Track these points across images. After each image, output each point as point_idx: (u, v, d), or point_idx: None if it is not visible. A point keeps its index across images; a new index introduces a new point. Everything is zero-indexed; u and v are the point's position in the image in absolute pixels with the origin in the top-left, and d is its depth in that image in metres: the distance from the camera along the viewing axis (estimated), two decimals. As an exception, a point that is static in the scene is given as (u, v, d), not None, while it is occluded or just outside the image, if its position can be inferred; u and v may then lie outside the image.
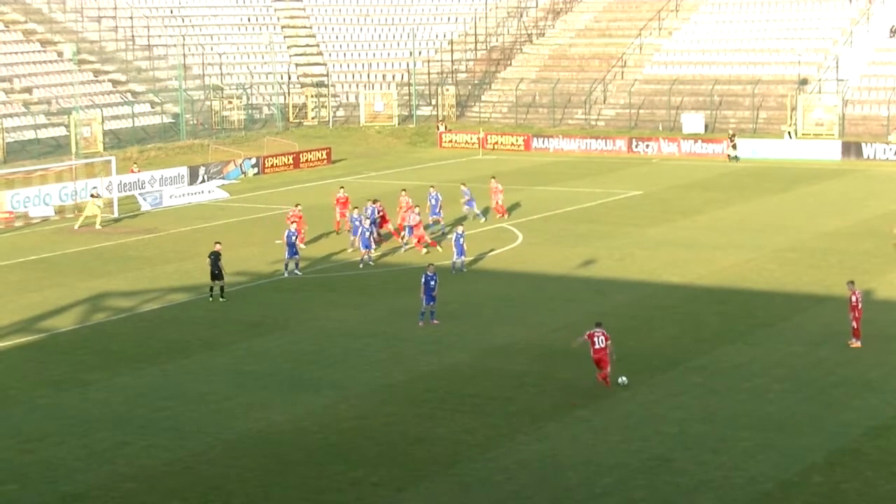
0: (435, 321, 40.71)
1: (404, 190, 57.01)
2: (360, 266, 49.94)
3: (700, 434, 30.85)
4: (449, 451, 29.99)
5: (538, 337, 39.69)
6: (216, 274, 44.62)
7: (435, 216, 56.60)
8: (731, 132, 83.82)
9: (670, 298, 44.66)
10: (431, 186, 59.25)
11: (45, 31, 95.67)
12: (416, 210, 52.97)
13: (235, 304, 44.34)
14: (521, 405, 33.19)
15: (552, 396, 33.86)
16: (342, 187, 59.38)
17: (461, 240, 48.48)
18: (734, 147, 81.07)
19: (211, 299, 44.63)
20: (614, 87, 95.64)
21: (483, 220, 59.15)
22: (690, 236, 55.71)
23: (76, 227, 59.81)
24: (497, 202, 60.44)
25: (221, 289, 44.82)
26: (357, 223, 51.34)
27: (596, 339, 34.30)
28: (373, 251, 50.67)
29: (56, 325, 41.89)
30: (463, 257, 48.85)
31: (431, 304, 40.75)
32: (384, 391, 34.48)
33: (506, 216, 60.26)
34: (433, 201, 57.03)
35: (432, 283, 40.64)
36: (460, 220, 58.15)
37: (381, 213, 54.07)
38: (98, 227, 59.84)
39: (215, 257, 44.71)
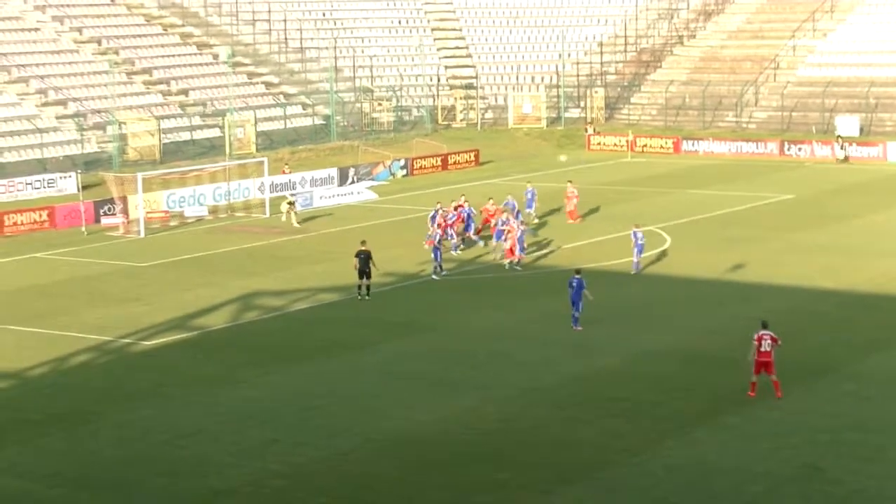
0: (578, 328, 40.36)
1: (491, 199, 57.26)
2: (507, 267, 49.89)
3: (853, 442, 30.22)
4: (596, 455, 29.84)
5: (687, 341, 39.28)
6: (366, 272, 45.02)
7: (529, 210, 58.93)
8: (838, 133, 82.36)
9: (822, 304, 43.87)
10: (528, 182, 62.10)
11: (201, 34, 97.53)
12: (505, 217, 52.19)
13: (383, 305, 44.67)
14: (670, 410, 32.87)
15: (701, 401, 33.47)
16: (463, 195, 58.61)
17: (640, 239, 48.38)
18: (843, 148, 79.99)
19: (359, 298, 45.05)
20: (766, 89, 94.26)
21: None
22: (844, 241, 54.63)
23: (295, 224, 60.77)
24: (570, 208, 60.16)
25: (368, 287, 45.23)
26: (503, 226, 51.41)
27: (762, 341, 33.17)
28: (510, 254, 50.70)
29: (209, 322, 42.66)
30: (638, 257, 48.73)
31: (574, 310, 40.43)
32: (531, 394, 34.42)
33: (578, 221, 59.69)
34: (528, 196, 59.94)
35: (575, 285, 40.33)
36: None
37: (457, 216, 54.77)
38: (296, 224, 60.68)
39: (366, 256, 45.12)
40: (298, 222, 60.99)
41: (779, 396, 32.92)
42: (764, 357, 33.13)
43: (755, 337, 33.33)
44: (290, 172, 71.87)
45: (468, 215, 55.22)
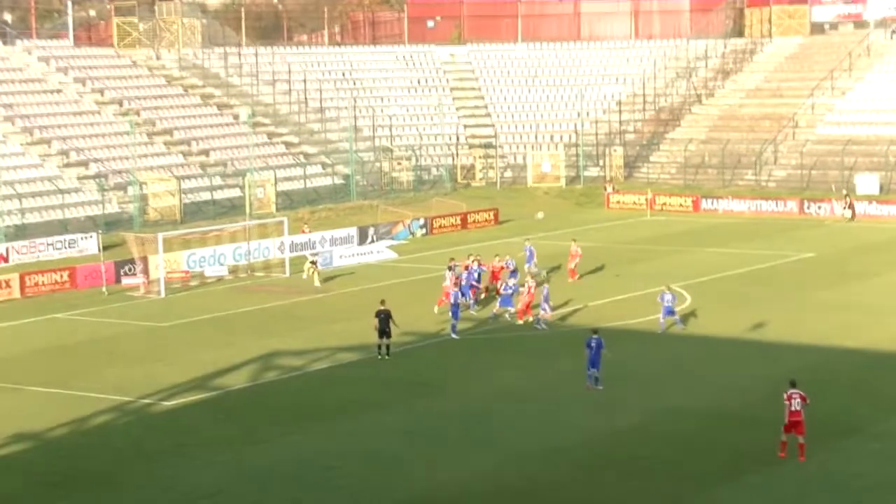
0: (599, 387, 40.23)
1: (497, 255, 57.70)
2: (538, 326, 49.83)
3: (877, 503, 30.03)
4: (617, 516, 29.72)
5: (708, 400, 39.19)
6: (385, 332, 45.12)
7: (528, 267, 58.90)
8: (845, 191, 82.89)
9: (844, 363, 43.71)
10: (527, 240, 62.92)
11: (221, 94, 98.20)
12: (524, 283, 52.11)
13: (403, 364, 44.68)
14: (691, 469, 32.75)
15: (722, 461, 33.34)
16: (477, 255, 58.49)
17: (668, 301, 48.49)
18: (850, 207, 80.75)
19: (379, 357, 45.09)
20: (785, 147, 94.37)
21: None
22: (865, 300, 54.48)
23: (317, 284, 61.05)
24: (572, 266, 60.56)
25: (387, 347, 45.29)
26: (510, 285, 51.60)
27: (792, 400, 32.98)
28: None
29: (229, 382, 42.70)
30: (674, 317, 48.83)
31: (594, 369, 40.29)
32: (551, 454, 34.35)
33: (575, 278, 60.08)
34: (527, 253, 60.16)
35: (594, 345, 40.18)
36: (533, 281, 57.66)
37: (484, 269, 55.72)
38: (317, 284, 61.04)
39: (386, 316, 45.22)
40: (321, 282, 61.19)
41: (802, 460, 32.68)
42: (794, 416, 32.88)
43: (785, 396, 33.18)
44: (309, 232, 72.03)
45: (478, 275, 55.42)
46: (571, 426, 36.79)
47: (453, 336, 48.59)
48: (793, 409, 32.85)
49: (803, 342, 46.72)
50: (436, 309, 52.10)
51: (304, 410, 39.13)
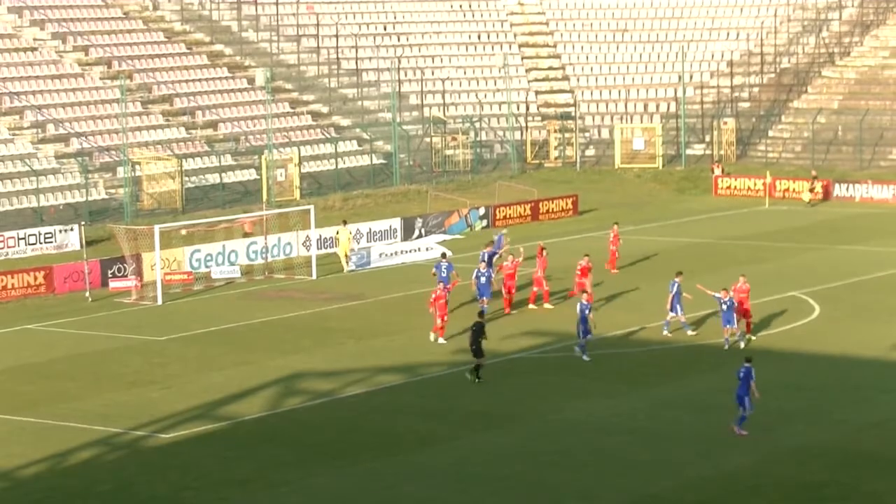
0: (743, 431, 39.70)
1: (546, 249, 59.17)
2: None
3: None
4: (725, 582, 29.71)
5: (840, 438, 39.05)
6: (476, 350, 45.17)
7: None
8: (814, 172, 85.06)
9: None
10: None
11: (233, 53, 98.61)
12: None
13: (459, 390, 44.74)
14: (819, 525, 32.71)
15: (859, 515, 33.29)
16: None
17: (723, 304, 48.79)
18: (811, 190, 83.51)
19: (478, 380, 45.09)
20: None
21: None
22: None
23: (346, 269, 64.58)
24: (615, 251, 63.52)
25: (477, 368, 45.31)
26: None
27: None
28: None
29: (241, 411, 42.90)
30: (732, 327, 49.15)
31: (741, 409, 39.49)
32: (645, 502, 34.30)
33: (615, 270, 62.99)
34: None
35: (742, 376, 39.44)
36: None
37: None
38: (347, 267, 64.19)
39: (479, 328, 45.31)
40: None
41: None
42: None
43: None
44: (252, 234, 69.64)
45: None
46: (669, 468, 36.74)
47: (583, 356, 48.31)
48: None
49: (962, 364, 46.57)
50: (433, 337, 51.74)
51: (333, 447, 39.26)
